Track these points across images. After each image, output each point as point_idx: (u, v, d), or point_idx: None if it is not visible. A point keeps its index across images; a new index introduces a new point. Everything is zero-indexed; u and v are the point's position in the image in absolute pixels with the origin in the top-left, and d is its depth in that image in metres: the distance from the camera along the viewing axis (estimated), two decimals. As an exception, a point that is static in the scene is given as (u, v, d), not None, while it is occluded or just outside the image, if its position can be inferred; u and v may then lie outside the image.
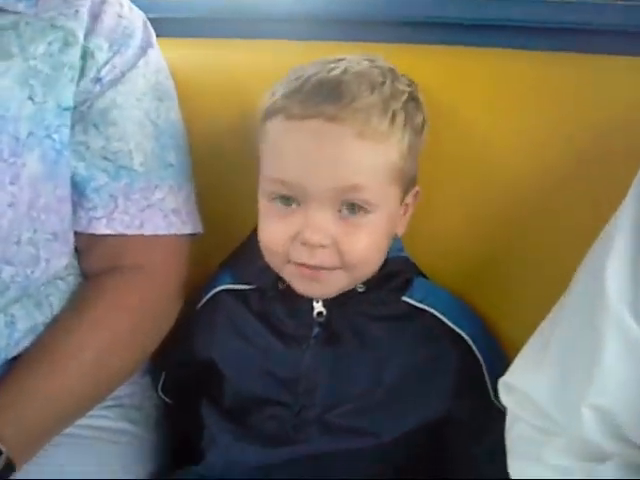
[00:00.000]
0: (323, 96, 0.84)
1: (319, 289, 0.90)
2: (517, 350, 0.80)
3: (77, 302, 0.96)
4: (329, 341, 0.93)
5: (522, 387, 0.78)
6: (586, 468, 0.72)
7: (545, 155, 0.96)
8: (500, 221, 0.99)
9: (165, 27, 1.03)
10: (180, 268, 1.00)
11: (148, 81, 0.97)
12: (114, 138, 0.94)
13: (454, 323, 0.94)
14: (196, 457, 0.98)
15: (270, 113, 0.88)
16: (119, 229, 0.95)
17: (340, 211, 0.86)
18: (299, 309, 0.94)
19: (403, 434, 0.92)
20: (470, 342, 0.94)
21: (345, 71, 0.87)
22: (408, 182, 0.91)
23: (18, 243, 0.89)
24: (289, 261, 0.88)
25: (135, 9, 0.99)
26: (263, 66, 1.04)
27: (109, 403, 0.99)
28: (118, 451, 0.99)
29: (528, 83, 0.98)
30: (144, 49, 0.97)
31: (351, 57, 0.91)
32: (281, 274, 0.92)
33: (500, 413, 0.92)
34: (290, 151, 0.86)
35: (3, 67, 0.87)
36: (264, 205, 0.90)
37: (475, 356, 0.94)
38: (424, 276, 1.00)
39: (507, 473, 0.77)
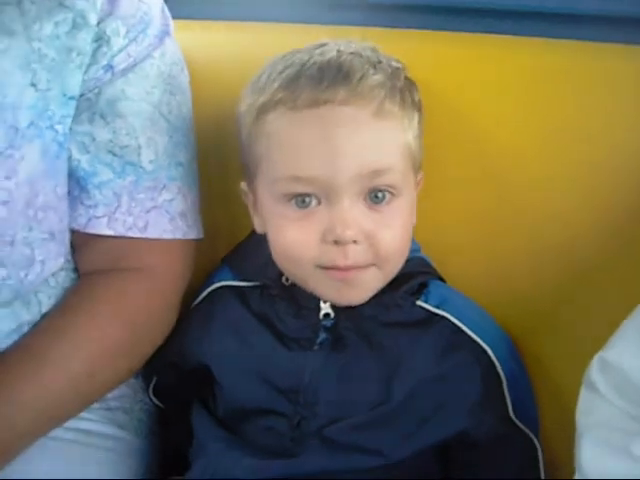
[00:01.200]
0: (329, 79, 0.77)
1: (355, 294, 0.83)
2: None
3: (69, 304, 0.89)
4: (336, 347, 0.85)
5: (623, 366, 0.72)
6: None
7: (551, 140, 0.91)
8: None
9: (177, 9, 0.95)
10: (183, 274, 0.93)
11: (162, 73, 0.89)
12: (122, 132, 0.86)
13: (474, 332, 0.86)
14: (185, 468, 0.91)
15: (268, 107, 0.80)
16: (121, 230, 0.87)
17: (365, 200, 0.79)
18: (304, 309, 0.86)
19: (412, 454, 0.84)
20: (491, 353, 0.86)
21: (340, 52, 0.81)
22: (418, 166, 0.85)
23: (12, 243, 0.82)
24: (316, 267, 0.80)
25: None
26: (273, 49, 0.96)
27: (95, 405, 0.92)
28: (103, 457, 0.92)
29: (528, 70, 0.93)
30: (161, 38, 0.89)
31: (333, 41, 0.84)
32: (307, 284, 0.84)
33: (519, 434, 0.86)
34: (302, 144, 0.78)
35: (3, 45, 0.79)
36: (277, 210, 0.82)
37: (496, 370, 0.86)
38: (442, 280, 0.92)
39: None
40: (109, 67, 0.84)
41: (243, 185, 0.88)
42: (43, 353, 0.84)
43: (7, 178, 0.79)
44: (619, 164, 0.88)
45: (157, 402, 1.00)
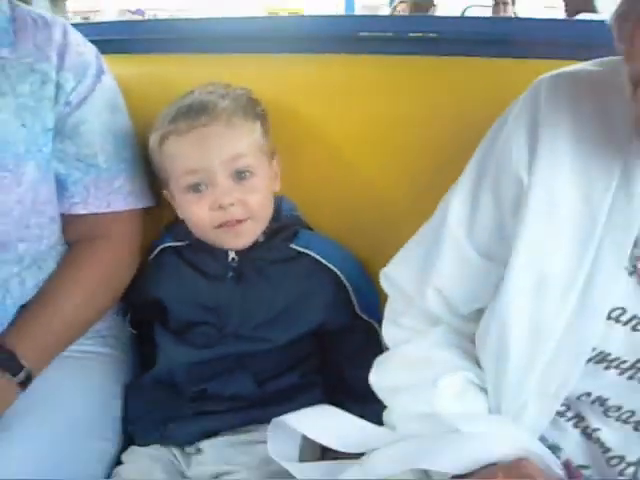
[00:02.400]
0: (194, 113, 1.25)
1: (240, 241, 1.29)
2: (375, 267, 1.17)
3: (65, 263, 1.32)
4: (239, 278, 1.31)
5: (393, 275, 1.10)
6: (425, 329, 1.06)
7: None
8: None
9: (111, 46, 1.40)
10: (137, 234, 1.36)
11: (105, 100, 1.32)
12: (83, 145, 1.27)
13: (328, 261, 1.32)
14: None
15: (164, 138, 1.27)
16: (92, 209, 1.30)
17: (234, 179, 1.25)
18: (218, 256, 1.32)
19: (291, 340, 1.31)
20: (340, 274, 1.32)
21: (200, 94, 1.28)
22: (270, 153, 1.31)
23: (28, 227, 1.24)
24: (213, 228, 1.27)
25: (89, 44, 1.30)
26: (190, 78, 1.40)
27: (93, 334, 1.35)
28: (101, 368, 1.34)
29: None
30: (99, 76, 1.29)
31: (196, 88, 1.31)
32: (211, 240, 1.30)
33: (364, 323, 1.32)
34: (189, 152, 1.25)
35: (1, 103, 1.18)
36: (182, 199, 1.28)
37: (344, 284, 1.33)
38: (310, 229, 1.38)
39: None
40: (67, 103, 1.24)
41: (165, 193, 1.34)
42: (54, 293, 1.27)
43: (17, 186, 1.20)
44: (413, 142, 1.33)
45: (132, 329, 1.45)
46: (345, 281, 1.32)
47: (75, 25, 1.32)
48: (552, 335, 0.90)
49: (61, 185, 1.30)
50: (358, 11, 5.94)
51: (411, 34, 1.41)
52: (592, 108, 0.90)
